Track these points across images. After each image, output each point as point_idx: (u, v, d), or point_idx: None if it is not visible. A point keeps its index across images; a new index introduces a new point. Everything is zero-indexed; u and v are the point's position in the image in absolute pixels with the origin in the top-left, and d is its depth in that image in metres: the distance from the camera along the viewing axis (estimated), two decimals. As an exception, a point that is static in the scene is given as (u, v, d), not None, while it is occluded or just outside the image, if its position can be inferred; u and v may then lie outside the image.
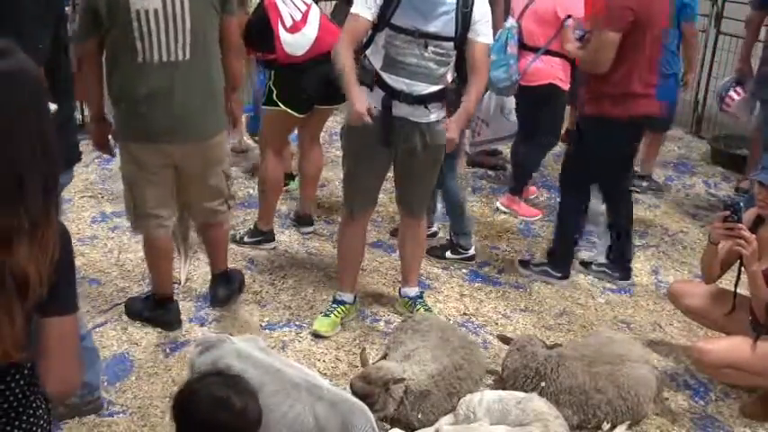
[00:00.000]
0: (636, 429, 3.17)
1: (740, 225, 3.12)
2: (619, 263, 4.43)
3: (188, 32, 3.23)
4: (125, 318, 3.81)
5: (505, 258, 4.63)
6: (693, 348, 3.31)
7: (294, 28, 4.15)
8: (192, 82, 3.31)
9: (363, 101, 3.28)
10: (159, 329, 3.72)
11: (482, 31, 3.37)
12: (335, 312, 3.80)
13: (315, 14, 4.22)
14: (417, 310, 3.85)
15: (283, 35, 4.14)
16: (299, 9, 4.19)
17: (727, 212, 3.13)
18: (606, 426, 3.11)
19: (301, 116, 4.38)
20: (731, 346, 3.20)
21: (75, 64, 3.23)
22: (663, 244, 4.93)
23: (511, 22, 4.76)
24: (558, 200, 4.54)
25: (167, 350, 3.59)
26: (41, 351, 1.61)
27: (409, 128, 3.45)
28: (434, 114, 3.47)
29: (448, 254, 4.55)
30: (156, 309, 3.75)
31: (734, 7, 6.57)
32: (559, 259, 4.42)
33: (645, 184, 5.74)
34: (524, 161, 5.24)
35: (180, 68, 3.27)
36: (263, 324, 3.84)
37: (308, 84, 4.22)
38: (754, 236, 3.12)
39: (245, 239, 4.60)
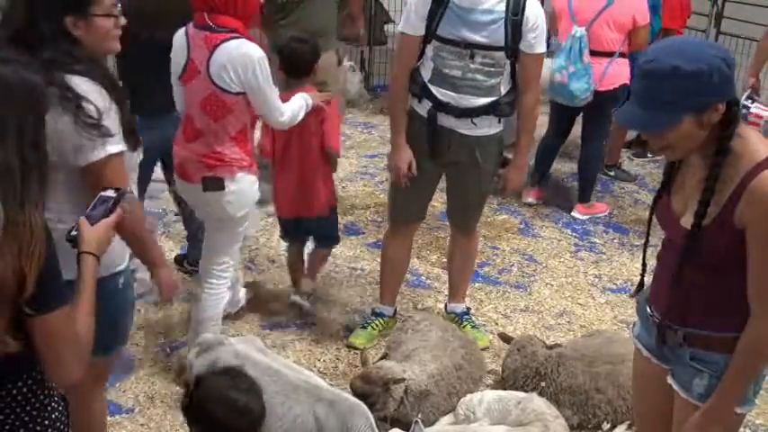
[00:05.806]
0: (636, 429, 3.16)
1: None
2: None
3: None
4: (125, 318, 3.81)
5: (505, 258, 4.63)
6: None
7: None
8: None
9: (403, 157, 3.34)
10: (159, 330, 3.73)
11: (535, 41, 3.19)
12: (373, 325, 3.73)
13: None
14: (464, 327, 3.72)
15: None
16: None
17: None
18: (606, 426, 3.12)
19: None
20: None
21: None
22: (663, 244, 4.91)
23: (580, 30, 4.73)
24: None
25: (167, 350, 3.59)
26: (35, 348, 1.58)
27: (456, 140, 3.33)
28: (483, 129, 3.33)
29: None
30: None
31: (734, 7, 6.56)
32: None
33: (612, 173, 5.94)
34: (599, 165, 5.40)
35: None
36: (264, 324, 3.84)
37: None
38: None
39: None
